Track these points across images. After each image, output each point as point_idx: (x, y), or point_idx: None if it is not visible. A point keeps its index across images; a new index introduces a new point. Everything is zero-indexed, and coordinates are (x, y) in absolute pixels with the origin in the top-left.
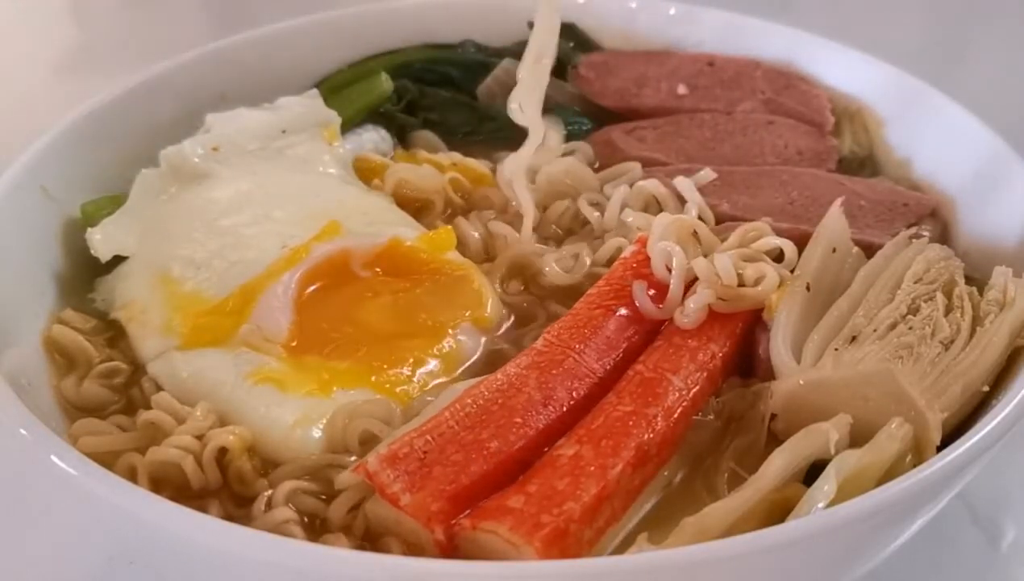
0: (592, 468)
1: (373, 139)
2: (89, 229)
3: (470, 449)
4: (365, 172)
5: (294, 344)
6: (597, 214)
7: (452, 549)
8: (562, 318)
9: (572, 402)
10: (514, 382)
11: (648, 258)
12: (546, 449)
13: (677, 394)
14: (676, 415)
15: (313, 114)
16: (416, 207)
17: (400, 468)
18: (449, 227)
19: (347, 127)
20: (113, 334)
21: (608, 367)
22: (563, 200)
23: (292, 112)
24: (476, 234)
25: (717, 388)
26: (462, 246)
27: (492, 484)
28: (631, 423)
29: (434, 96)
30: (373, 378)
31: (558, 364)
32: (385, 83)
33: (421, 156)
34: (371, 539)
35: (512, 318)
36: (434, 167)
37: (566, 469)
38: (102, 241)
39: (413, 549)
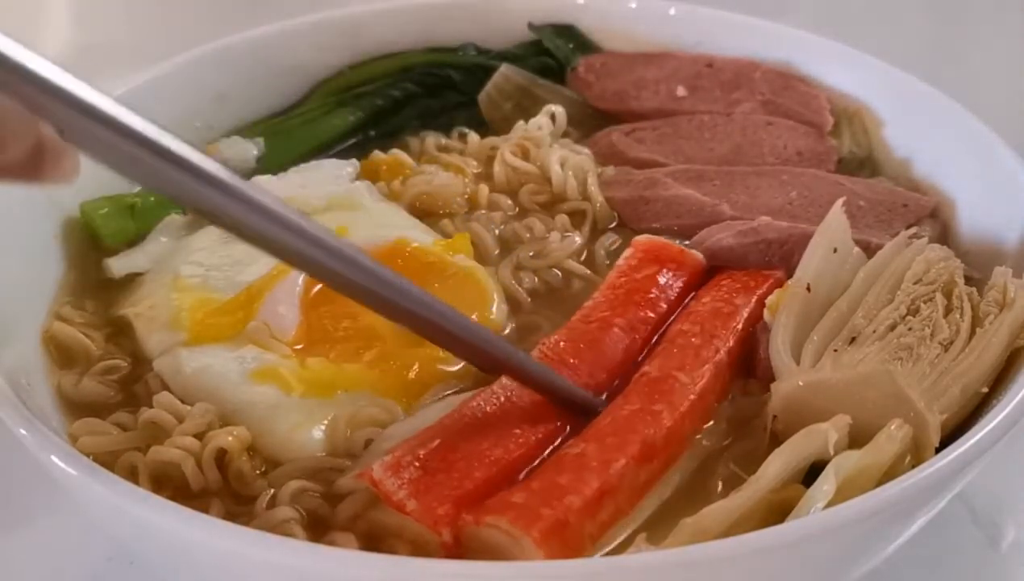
0: (594, 463)
1: (332, 172)
2: (106, 260)
3: (472, 456)
4: (373, 172)
5: (299, 346)
6: (558, 168)
7: (457, 548)
8: (559, 331)
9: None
10: (510, 395)
11: (643, 261)
12: (547, 452)
13: (682, 389)
14: (683, 410)
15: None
16: (428, 213)
17: (404, 475)
18: (465, 234)
19: (306, 159)
20: (112, 330)
21: (601, 380)
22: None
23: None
24: (489, 235)
25: (725, 387)
26: (474, 246)
27: (496, 488)
28: (636, 419)
29: (435, 98)
30: (377, 380)
31: None
32: (339, 118)
33: (443, 159)
34: (374, 539)
35: (513, 324)
36: (445, 167)
37: (569, 466)
38: (117, 268)
39: (419, 550)
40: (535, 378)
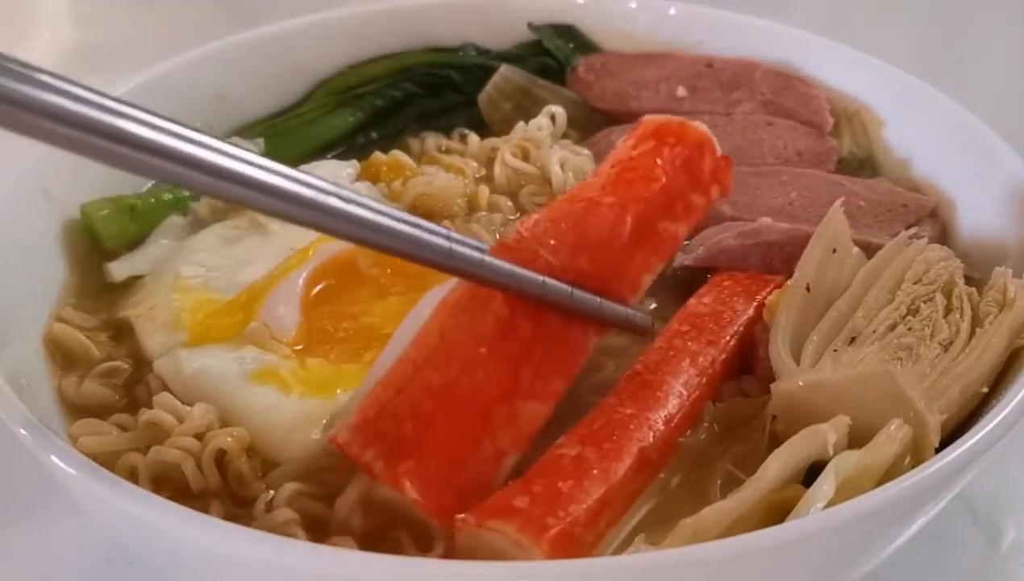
0: (595, 471)
1: (332, 173)
2: (107, 264)
3: (440, 395)
4: (374, 173)
5: (299, 347)
6: (558, 169)
7: (440, 511)
8: (541, 210)
9: (542, 316)
10: (480, 297)
11: (640, 139)
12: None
13: (678, 399)
14: (676, 420)
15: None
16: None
17: (370, 432)
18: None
19: (306, 160)
20: (114, 332)
21: (582, 268)
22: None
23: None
24: (490, 238)
25: (717, 391)
26: None
27: (466, 431)
28: (632, 426)
29: (435, 98)
30: None
31: (529, 263)
32: (339, 119)
33: (443, 160)
34: (370, 537)
35: None
36: (446, 169)
37: (569, 471)
38: (118, 273)
39: (420, 537)
40: (583, 310)
